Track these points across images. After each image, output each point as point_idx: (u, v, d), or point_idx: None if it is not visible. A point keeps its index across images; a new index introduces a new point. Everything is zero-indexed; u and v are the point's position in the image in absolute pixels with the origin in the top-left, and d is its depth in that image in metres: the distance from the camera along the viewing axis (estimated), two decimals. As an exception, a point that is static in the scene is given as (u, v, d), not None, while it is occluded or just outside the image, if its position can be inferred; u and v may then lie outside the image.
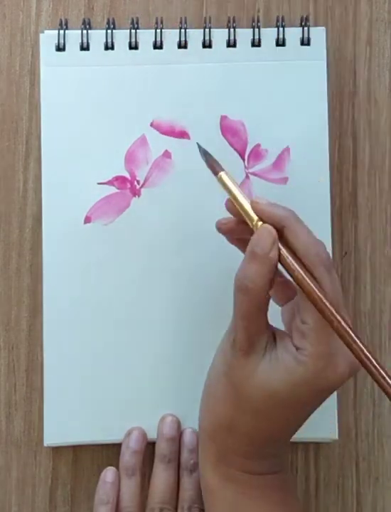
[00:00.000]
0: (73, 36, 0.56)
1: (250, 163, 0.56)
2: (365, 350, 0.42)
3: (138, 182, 0.56)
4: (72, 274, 0.56)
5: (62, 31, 0.56)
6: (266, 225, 0.46)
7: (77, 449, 0.56)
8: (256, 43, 0.56)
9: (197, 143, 0.51)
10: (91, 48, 0.56)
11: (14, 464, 0.57)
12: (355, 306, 0.57)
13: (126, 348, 0.56)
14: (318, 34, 0.57)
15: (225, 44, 0.56)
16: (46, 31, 0.57)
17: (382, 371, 0.42)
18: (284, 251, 0.45)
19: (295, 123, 0.56)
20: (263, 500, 0.49)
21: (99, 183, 0.56)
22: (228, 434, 0.48)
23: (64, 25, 0.57)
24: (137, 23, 0.57)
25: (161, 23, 0.57)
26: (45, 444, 0.56)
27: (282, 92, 0.56)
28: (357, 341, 0.43)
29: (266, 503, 0.49)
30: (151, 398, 0.55)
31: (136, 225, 0.56)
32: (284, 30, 0.56)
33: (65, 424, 0.55)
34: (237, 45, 0.56)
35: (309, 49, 0.56)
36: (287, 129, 0.56)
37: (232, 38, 0.56)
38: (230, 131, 0.56)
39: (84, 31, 0.56)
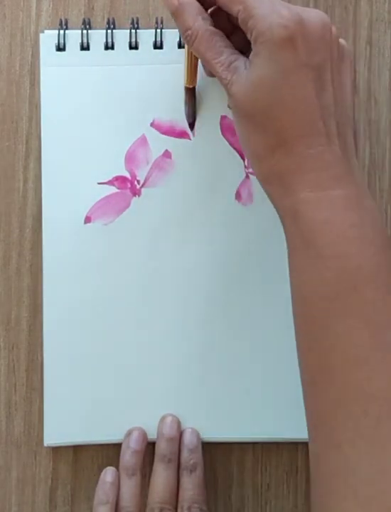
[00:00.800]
0: (73, 36, 0.56)
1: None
2: None
3: (138, 182, 0.56)
4: (72, 274, 0.56)
5: (62, 31, 0.56)
6: None
7: (77, 449, 0.56)
8: (255, 43, 0.56)
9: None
10: (91, 47, 0.56)
11: (14, 464, 0.57)
12: (355, 306, 0.57)
13: (126, 348, 0.56)
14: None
15: (225, 44, 0.56)
16: (46, 31, 0.57)
17: None
18: None
19: (295, 123, 0.56)
20: (338, 212, 0.46)
21: (99, 183, 0.56)
22: (271, 157, 0.47)
23: (64, 25, 0.57)
24: (137, 23, 0.57)
25: (161, 23, 0.57)
26: (45, 444, 0.56)
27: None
28: None
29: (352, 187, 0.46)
30: (151, 398, 0.55)
31: (136, 225, 0.56)
32: (284, 30, 0.56)
33: (64, 424, 0.55)
34: (237, 45, 0.56)
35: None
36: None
37: (232, 37, 0.56)
38: (230, 131, 0.56)
39: (84, 31, 0.56)
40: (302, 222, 0.46)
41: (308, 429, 0.46)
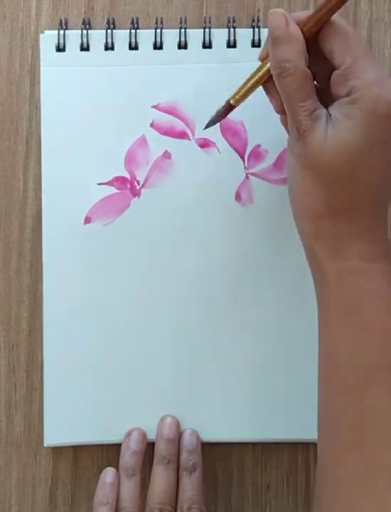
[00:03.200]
0: (73, 36, 0.56)
1: (250, 163, 0.56)
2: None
3: (138, 182, 0.56)
4: (72, 274, 0.56)
5: (62, 31, 0.56)
6: (273, 9, 0.47)
7: (77, 449, 0.57)
8: (256, 43, 0.56)
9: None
10: (91, 48, 0.56)
11: (14, 464, 0.57)
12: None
13: (126, 348, 0.56)
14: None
15: (225, 44, 0.56)
16: (46, 31, 0.57)
17: None
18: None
19: (295, 123, 0.56)
20: (387, 286, 0.46)
21: (99, 184, 0.56)
22: (330, 218, 0.46)
23: (64, 26, 0.57)
24: (137, 24, 0.57)
25: (161, 23, 0.57)
26: (45, 445, 0.56)
27: (282, 92, 0.56)
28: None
29: (385, 285, 0.46)
30: (151, 398, 0.55)
31: (136, 225, 0.56)
32: (284, 30, 0.56)
33: (65, 424, 0.55)
34: (237, 45, 0.56)
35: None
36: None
37: (232, 38, 0.56)
38: (230, 131, 0.56)
39: (84, 31, 0.56)
40: (348, 289, 0.46)
41: (324, 495, 0.46)
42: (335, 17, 0.46)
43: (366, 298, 0.46)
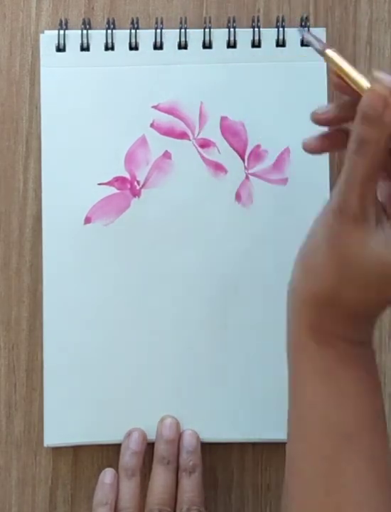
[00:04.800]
0: (73, 36, 0.56)
1: (250, 163, 0.56)
2: None
3: (138, 183, 0.56)
4: (72, 274, 0.56)
5: (62, 31, 0.56)
6: (376, 86, 0.42)
7: (77, 450, 0.57)
8: (256, 44, 0.56)
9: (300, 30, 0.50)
10: (91, 48, 0.56)
11: (14, 464, 0.57)
12: (354, 306, 0.57)
13: (126, 349, 0.56)
14: (318, 34, 0.57)
15: (225, 44, 0.56)
16: (46, 31, 0.57)
17: None
18: None
19: (295, 123, 0.56)
20: (360, 369, 0.46)
21: (99, 184, 0.56)
22: (330, 305, 0.45)
23: (64, 26, 0.57)
24: (137, 24, 0.57)
25: (161, 23, 0.57)
26: (45, 445, 0.56)
27: (282, 92, 0.56)
28: None
29: (364, 372, 0.46)
30: (150, 399, 0.55)
31: (136, 225, 0.56)
32: (284, 30, 0.56)
33: (65, 424, 0.55)
34: (237, 45, 0.56)
35: (309, 49, 0.56)
36: (287, 130, 0.56)
37: (232, 38, 0.56)
38: (230, 131, 0.56)
39: (84, 31, 0.56)
40: (326, 355, 0.46)
41: None
42: None
43: (341, 364, 0.45)
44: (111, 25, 0.56)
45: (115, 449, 0.56)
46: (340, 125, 0.46)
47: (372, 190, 0.43)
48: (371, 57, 0.59)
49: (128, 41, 0.56)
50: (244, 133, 0.56)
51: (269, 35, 0.56)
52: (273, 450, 0.57)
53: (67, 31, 0.56)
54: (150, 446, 0.55)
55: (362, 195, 0.43)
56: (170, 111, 0.56)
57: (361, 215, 0.43)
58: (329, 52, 0.45)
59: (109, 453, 0.57)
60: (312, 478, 0.45)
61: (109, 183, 0.56)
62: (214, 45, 0.56)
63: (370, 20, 0.59)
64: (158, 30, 0.56)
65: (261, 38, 0.56)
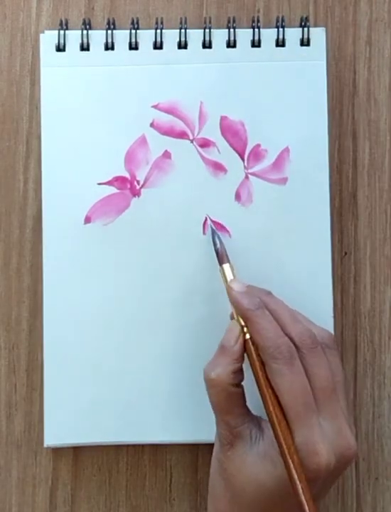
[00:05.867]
0: (73, 36, 0.56)
1: (250, 163, 0.56)
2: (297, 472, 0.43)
3: (138, 182, 0.56)
4: (72, 274, 0.56)
5: (62, 31, 0.56)
6: (235, 320, 0.48)
7: (77, 450, 0.56)
8: (256, 44, 0.56)
9: (211, 226, 0.54)
10: (91, 48, 0.56)
11: (14, 464, 0.57)
12: (355, 306, 0.57)
13: (126, 349, 0.56)
14: (318, 34, 0.57)
15: (225, 44, 0.56)
16: (46, 31, 0.57)
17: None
18: (251, 347, 0.47)
19: (295, 123, 0.56)
20: None
21: (99, 184, 0.56)
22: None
23: (64, 26, 0.57)
24: (137, 24, 0.57)
25: (161, 23, 0.57)
26: (45, 445, 0.56)
27: (282, 92, 0.56)
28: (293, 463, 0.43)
29: None
30: (151, 399, 0.55)
31: (136, 225, 0.56)
32: (283, 30, 0.56)
33: (65, 424, 0.55)
34: (237, 45, 0.56)
35: (309, 49, 0.56)
36: (287, 129, 0.56)
37: (232, 38, 0.56)
38: (230, 131, 0.56)
39: (85, 31, 0.56)
40: None
41: None
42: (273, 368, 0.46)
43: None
44: (111, 25, 0.56)
45: (115, 449, 0.56)
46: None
47: (235, 414, 0.46)
48: (371, 57, 0.59)
49: (128, 41, 0.56)
50: (244, 132, 0.56)
51: (268, 35, 0.56)
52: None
53: (67, 31, 0.56)
54: (152, 449, 0.55)
55: (226, 422, 0.46)
56: (170, 110, 0.56)
57: (233, 440, 0.46)
58: (225, 267, 0.51)
59: (109, 453, 0.57)
60: None
61: (108, 183, 0.56)
62: (214, 45, 0.56)
63: (369, 21, 0.59)
64: (158, 30, 0.56)
65: (261, 38, 0.56)
